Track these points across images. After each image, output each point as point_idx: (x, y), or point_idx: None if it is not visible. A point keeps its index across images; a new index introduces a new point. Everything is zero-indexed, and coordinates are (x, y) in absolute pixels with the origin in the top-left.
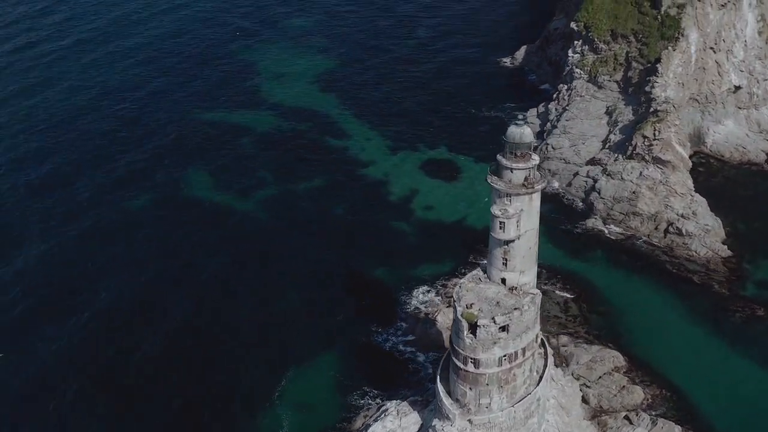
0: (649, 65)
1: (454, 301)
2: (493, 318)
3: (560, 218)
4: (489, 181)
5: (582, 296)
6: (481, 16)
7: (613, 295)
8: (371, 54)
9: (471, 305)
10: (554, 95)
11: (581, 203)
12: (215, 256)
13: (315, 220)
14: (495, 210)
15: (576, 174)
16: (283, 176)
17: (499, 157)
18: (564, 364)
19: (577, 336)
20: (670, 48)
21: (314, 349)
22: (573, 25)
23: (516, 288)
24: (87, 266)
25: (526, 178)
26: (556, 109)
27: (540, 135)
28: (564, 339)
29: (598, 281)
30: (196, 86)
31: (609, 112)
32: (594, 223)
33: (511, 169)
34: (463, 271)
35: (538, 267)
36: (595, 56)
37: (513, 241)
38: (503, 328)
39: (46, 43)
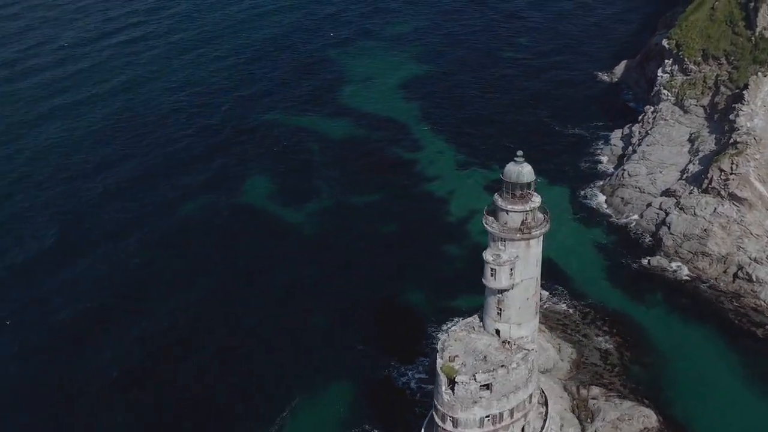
0: (737, 91)
1: (437, 350)
2: (474, 375)
3: (623, 252)
4: (483, 222)
5: (626, 343)
6: (587, 24)
7: (662, 343)
8: (463, 65)
9: (454, 358)
10: (640, 117)
11: (649, 237)
12: (245, 268)
13: (363, 237)
14: (486, 255)
15: (649, 205)
16: (343, 188)
17: (495, 196)
18: (588, 420)
19: (611, 388)
20: (759, 74)
21: (326, 379)
22: (665, 42)
23: (510, 342)
24: (146, 272)
25: (523, 222)
26: (639, 132)
27: (620, 159)
28: (595, 391)
29: (649, 327)
30: (279, 89)
31: (691, 140)
32: (659, 260)
33: (507, 211)
34: None
35: (585, 305)
36: (684, 77)
37: (507, 290)
38: (486, 387)
39: (146, 39)
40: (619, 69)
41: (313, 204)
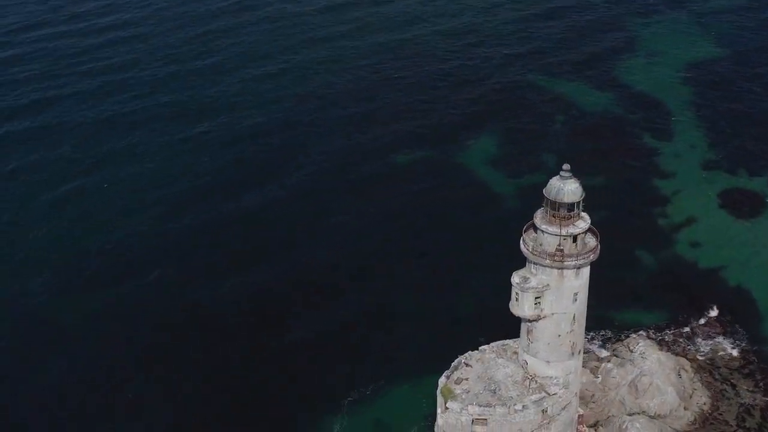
0: None
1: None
2: (468, 405)
3: None
4: (522, 240)
5: None
6: None
7: None
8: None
9: (461, 380)
10: None
11: None
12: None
13: None
14: (514, 276)
15: None
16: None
17: (538, 212)
18: None
19: None
20: None
21: (417, 369)
22: None
23: (534, 379)
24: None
25: (558, 247)
26: None
27: None
28: None
29: None
30: (553, 48)
31: None
32: None
33: (542, 231)
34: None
35: (755, 350)
36: None
37: (534, 320)
38: (480, 423)
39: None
40: None
41: (529, 177)
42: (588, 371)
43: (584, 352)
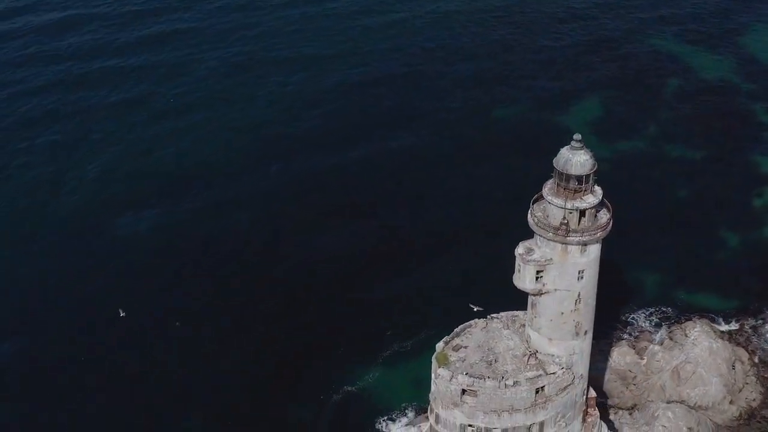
0: None
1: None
2: (456, 374)
3: None
4: (530, 209)
5: None
6: None
7: None
8: None
9: (459, 348)
10: None
11: None
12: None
13: (645, 195)
14: (519, 247)
15: None
16: (666, 134)
17: (548, 181)
18: None
19: None
20: None
21: None
22: None
23: (535, 355)
24: None
25: (562, 221)
26: None
27: None
28: None
29: None
30: (684, 14)
31: None
32: None
33: (548, 201)
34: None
35: None
36: None
37: (536, 295)
38: (470, 393)
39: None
40: None
41: (627, 143)
42: (634, 351)
43: (638, 331)
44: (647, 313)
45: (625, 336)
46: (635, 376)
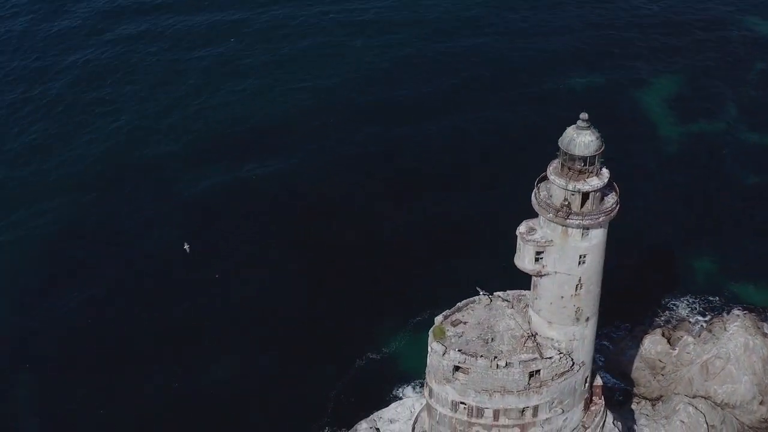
0: None
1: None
2: (448, 349)
3: None
4: (535, 188)
5: None
6: None
7: None
8: None
9: (458, 323)
10: None
11: None
12: None
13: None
14: (521, 225)
15: None
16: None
17: (554, 161)
18: None
19: None
20: None
21: None
22: None
23: (535, 338)
24: None
25: (563, 202)
26: None
27: None
28: None
29: None
30: None
31: None
32: None
33: (552, 182)
34: None
35: None
36: None
37: (537, 276)
38: (463, 371)
39: None
40: None
41: (701, 125)
42: (667, 341)
43: (677, 319)
44: (690, 301)
45: (662, 324)
46: (664, 367)
